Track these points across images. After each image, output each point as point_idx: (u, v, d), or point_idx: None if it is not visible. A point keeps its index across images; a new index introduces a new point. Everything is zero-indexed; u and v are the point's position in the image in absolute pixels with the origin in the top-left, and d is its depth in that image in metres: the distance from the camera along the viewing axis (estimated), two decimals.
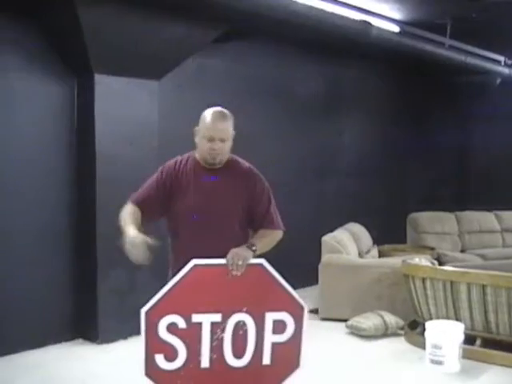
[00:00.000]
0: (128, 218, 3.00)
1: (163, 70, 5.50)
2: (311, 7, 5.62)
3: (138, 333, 5.21)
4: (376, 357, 5.06)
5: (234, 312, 2.93)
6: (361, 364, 4.89)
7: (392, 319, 5.56)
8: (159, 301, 2.91)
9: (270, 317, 2.96)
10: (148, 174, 5.28)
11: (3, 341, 4.84)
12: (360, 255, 6.61)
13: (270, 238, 3.14)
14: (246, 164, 3.18)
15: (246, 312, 2.94)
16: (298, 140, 7.48)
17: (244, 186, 3.10)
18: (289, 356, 3.01)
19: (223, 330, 2.92)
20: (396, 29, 7.06)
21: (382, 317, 5.55)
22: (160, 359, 2.92)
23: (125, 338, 5.29)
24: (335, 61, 7.71)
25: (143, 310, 2.91)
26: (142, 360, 2.94)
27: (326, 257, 6.17)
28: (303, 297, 3.07)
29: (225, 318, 2.92)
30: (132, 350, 5.06)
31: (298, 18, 5.55)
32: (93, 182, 5.14)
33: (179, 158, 3.18)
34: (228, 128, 3.04)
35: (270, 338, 2.96)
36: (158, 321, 2.90)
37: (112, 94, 5.19)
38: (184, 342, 2.91)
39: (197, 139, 3.08)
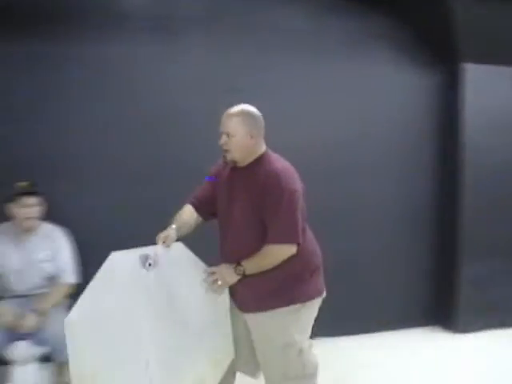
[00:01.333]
0: (176, 217, 2.99)
1: None
2: None
3: (496, 326, 5.18)
4: None
5: None
6: None
7: None
8: None
9: None
10: None
11: (364, 320, 5.12)
12: None
13: (264, 255, 2.78)
14: (273, 164, 2.83)
15: None
16: None
17: (260, 188, 2.78)
18: None
19: None
20: None
21: None
22: None
23: (482, 330, 5.20)
24: None
25: None
26: None
27: None
28: None
29: None
30: (487, 343, 4.97)
31: None
32: (458, 170, 5.14)
33: None
34: (234, 123, 2.82)
35: None
36: None
37: (479, 82, 5.13)
38: None
39: None
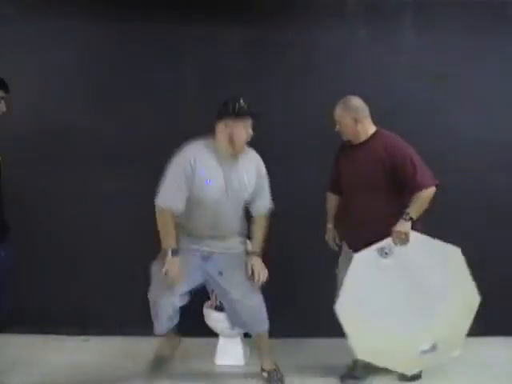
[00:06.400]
0: (328, 213, 3.78)
1: None
2: None
3: None
4: None
5: None
6: None
7: None
8: None
9: None
10: None
11: None
12: None
13: (420, 200, 3.29)
14: (389, 138, 3.42)
15: None
16: None
17: (387, 155, 3.34)
18: None
19: None
20: None
21: None
22: None
23: None
24: None
25: None
26: None
27: None
28: None
29: None
30: None
31: None
32: None
33: None
34: (339, 112, 3.47)
35: None
36: None
37: None
38: None
39: None
